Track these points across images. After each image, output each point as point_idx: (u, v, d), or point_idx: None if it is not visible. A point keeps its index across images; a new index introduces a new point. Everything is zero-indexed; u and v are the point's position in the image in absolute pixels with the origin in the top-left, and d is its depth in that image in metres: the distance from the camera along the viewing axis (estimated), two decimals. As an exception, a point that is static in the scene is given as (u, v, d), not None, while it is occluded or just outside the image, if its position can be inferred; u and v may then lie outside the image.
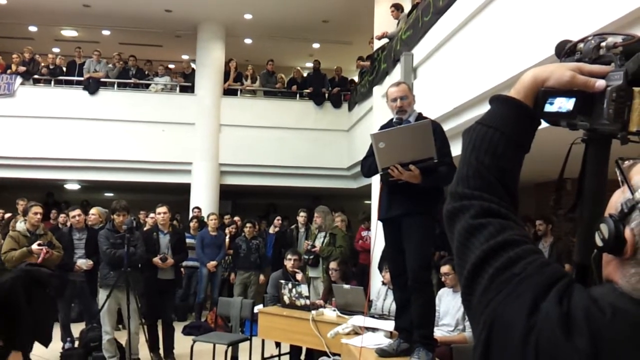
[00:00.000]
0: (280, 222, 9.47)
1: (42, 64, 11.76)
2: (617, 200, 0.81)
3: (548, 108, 0.86)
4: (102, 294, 5.59)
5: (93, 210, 7.02)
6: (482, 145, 0.90)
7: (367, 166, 3.39)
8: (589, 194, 0.90)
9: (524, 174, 0.91)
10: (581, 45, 0.91)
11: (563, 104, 0.85)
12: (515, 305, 0.77)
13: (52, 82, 11.66)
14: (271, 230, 9.40)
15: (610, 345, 0.71)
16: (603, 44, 0.88)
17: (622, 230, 0.77)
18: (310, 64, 13.65)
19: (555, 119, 0.88)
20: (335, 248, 6.64)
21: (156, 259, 5.96)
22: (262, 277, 7.99)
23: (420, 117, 3.31)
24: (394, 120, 3.32)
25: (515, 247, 0.82)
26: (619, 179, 0.82)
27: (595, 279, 0.85)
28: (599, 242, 0.79)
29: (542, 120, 0.90)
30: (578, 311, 0.73)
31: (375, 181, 6.20)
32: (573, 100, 0.85)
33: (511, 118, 0.90)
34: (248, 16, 11.92)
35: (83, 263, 6.15)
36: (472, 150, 0.91)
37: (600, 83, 0.83)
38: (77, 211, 6.43)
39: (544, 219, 7.08)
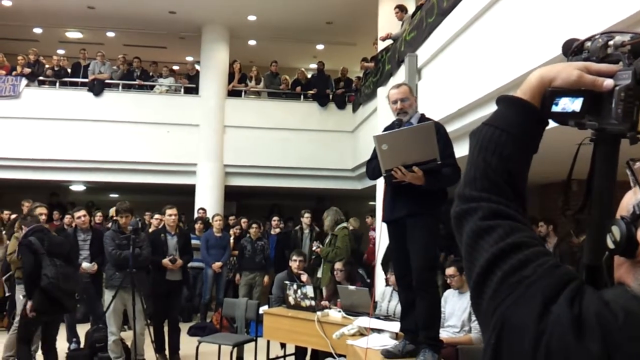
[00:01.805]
0: (277, 222, 9.39)
1: (47, 66, 11.81)
2: (629, 202, 0.80)
3: (555, 108, 0.85)
4: (107, 295, 5.61)
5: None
6: (489, 146, 0.89)
7: (372, 168, 3.39)
8: (598, 194, 0.89)
9: (529, 174, 0.90)
10: (588, 43, 0.90)
11: (570, 104, 0.84)
12: (526, 309, 0.76)
13: (57, 84, 11.71)
14: (272, 231, 9.35)
15: (623, 348, 0.70)
16: (611, 42, 0.87)
17: (634, 232, 0.76)
18: (314, 65, 13.66)
19: (563, 119, 0.87)
20: (334, 248, 6.64)
21: (166, 261, 5.98)
22: (266, 278, 7.98)
23: (422, 118, 3.30)
24: (395, 122, 3.33)
25: (524, 249, 0.81)
26: (630, 180, 0.81)
27: (606, 280, 0.84)
28: (611, 245, 0.78)
29: (549, 121, 0.90)
30: (590, 314, 0.72)
31: (380, 182, 6.20)
32: (580, 100, 0.84)
33: (518, 119, 0.89)
34: (252, 18, 11.94)
35: (88, 267, 6.16)
36: (479, 151, 0.90)
37: (608, 82, 0.82)
38: (82, 212, 6.45)
39: (545, 220, 7.07)
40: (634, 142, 0.81)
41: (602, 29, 0.92)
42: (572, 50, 0.93)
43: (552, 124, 0.90)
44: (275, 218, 9.49)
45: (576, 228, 6.81)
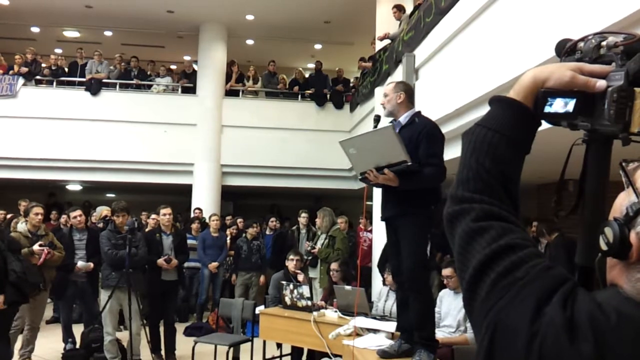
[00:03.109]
0: (274, 223, 9.31)
1: (44, 65, 11.79)
2: (622, 203, 0.80)
3: (548, 109, 0.85)
4: (103, 295, 5.59)
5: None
6: (481, 147, 0.89)
7: None
8: (590, 195, 0.89)
9: (525, 175, 0.90)
10: (581, 44, 0.90)
11: (563, 105, 0.84)
12: (519, 310, 0.75)
13: (54, 83, 11.69)
14: (267, 231, 9.28)
15: (615, 350, 0.70)
16: (604, 43, 0.87)
17: (628, 234, 0.75)
18: (312, 65, 13.65)
19: (555, 119, 0.87)
20: (333, 250, 6.65)
21: (161, 261, 5.96)
22: (262, 278, 7.96)
23: (416, 115, 3.28)
24: (374, 116, 3.37)
25: (517, 250, 0.81)
26: (624, 181, 0.80)
27: (599, 281, 0.84)
28: (604, 246, 0.78)
29: (542, 121, 0.89)
30: (582, 316, 0.72)
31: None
32: (573, 100, 0.84)
33: (511, 119, 0.88)
34: (250, 17, 11.93)
35: (83, 266, 6.14)
36: (472, 152, 0.90)
37: (601, 83, 0.82)
38: (78, 212, 6.42)
39: (540, 220, 7.09)
40: (626, 143, 0.81)
41: (596, 30, 0.91)
42: (565, 50, 0.93)
43: (545, 124, 0.90)
44: (272, 218, 9.45)
45: (548, 226, 6.86)
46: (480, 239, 0.84)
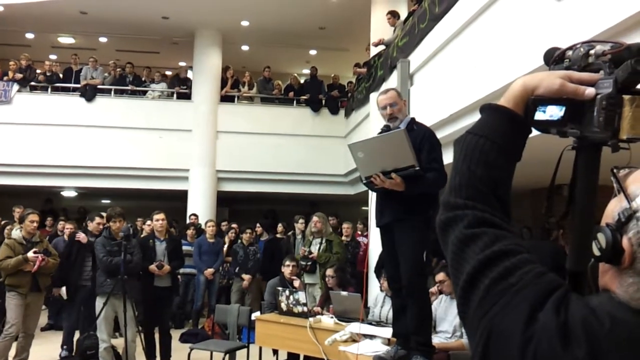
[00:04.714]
0: (261, 229, 9.18)
1: (39, 71, 11.77)
2: (614, 209, 0.80)
3: (538, 116, 0.86)
4: (98, 302, 5.57)
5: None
6: (473, 154, 0.89)
7: None
8: (580, 201, 0.90)
9: (518, 180, 0.91)
10: (570, 52, 0.92)
11: (553, 112, 0.85)
12: (512, 316, 0.76)
13: (49, 89, 11.67)
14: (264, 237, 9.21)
15: (609, 356, 0.70)
16: (592, 51, 0.88)
17: (620, 239, 0.76)
18: (307, 71, 13.68)
19: (545, 127, 0.88)
20: (332, 254, 6.64)
21: (152, 267, 5.92)
22: (247, 278, 7.79)
23: (412, 122, 3.30)
24: (383, 127, 3.35)
25: (511, 256, 0.81)
26: (615, 187, 0.81)
27: (590, 286, 0.84)
28: (596, 252, 0.78)
29: (532, 128, 0.90)
30: (576, 321, 0.73)
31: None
32: (563, 108, 0.85)
33: (502, 127, 0.89)
34: (245, 23, 11.95)
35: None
36: (463, 159, 0.91)
37: (590, 91, 0.84)
38: (102, 220, 6.42)
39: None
40: (615, 149, 0.82)
41: (585, 39, 0.93)
42: (554, 59, 0.94)
43: (536, 131, 0.91)
44: (258, 225, 9.24)
45: (528, 231, 6.93)
46: (474, 245, 0.84)
